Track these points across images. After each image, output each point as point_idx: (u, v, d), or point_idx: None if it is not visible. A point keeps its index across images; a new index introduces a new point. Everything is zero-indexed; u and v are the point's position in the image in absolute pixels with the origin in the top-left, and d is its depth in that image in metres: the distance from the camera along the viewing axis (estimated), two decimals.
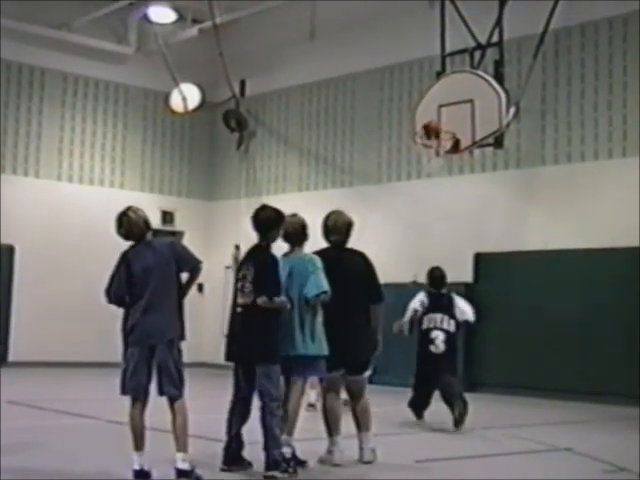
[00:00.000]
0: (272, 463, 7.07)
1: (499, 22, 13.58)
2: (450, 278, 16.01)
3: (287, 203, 20.14)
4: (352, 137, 19.50)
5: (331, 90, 19.97)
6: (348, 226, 8.24)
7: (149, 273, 6.88)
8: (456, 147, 13.30)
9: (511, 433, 10.64)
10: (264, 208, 7.69)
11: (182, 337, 6.95)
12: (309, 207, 20.14)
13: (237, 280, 7.45)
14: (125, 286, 6.95)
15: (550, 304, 15.58)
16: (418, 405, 11.13)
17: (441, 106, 13.33)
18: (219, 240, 20.68)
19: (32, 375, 16.82)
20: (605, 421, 12.73)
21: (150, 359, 6.80)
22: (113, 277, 7.03)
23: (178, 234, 20.85)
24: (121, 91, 21.06)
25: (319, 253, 7.99)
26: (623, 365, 14.42)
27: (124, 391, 6.89)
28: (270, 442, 7.11)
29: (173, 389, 6.81)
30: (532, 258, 16.04)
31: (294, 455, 7.45)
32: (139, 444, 6.77)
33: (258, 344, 7.23)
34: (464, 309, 11.35)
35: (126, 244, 7.11)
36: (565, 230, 15.76)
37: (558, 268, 15.66)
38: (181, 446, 6.76)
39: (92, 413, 10.88)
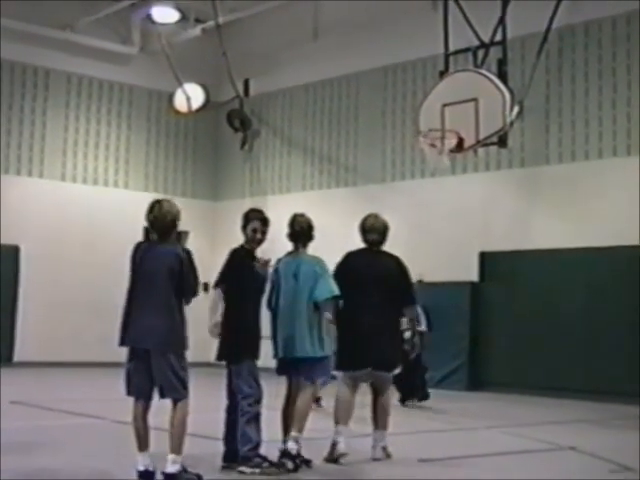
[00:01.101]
0: (242, 459, 7.18)
1: (502, 21, 13.57)
2: (455, 277, 16.10)
3: (291, 202, 20.29)
4: (356, 136, 19.51)
5: (335, 90, 19.98)
6: (385, 227, 8.40)
7: (150, 276, 6.77)
8: (460, 146, 13.30)
9: (515, 432, 10.64)
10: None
11: (181, 347, 6.78)
12: (313, 206, 20.25)
13: None
14: (130, 281, 6.92)
15: (554, 302, 15.59)
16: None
17: (445, 105, 13.33)
18: (224, 240, 20.56)
19: (37, 375, 16.84)
20: (609, 420, 12.71)
21: (148, 361, 6.70)
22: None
23: (183, 234, 20.85)
24: (125, 91, 21.08)
25: (354, 254, 8.30)
26: (627, 364, 14.41)
27: (128, 392, 6.87)
28: (240, 438, 7.21)
29: (173, 393, 6.72)
30: (537, 256, 16.04)
31: (299, 453, 7.46)
32: (142, 445, 6.74)
33: (227, 344, 7.43)
34: None
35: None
36: (569, 228, 15.75)
37: (563, 266, 15.65)
38: (174, 447, 6.64)
39: (97, 413, 10.89)
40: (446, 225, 17.17)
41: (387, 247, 8.48)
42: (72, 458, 7.81)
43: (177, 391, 6.69)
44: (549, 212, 16.16)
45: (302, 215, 8.04)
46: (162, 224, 6.84)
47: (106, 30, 20.18)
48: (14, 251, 18.92)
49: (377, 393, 8.29)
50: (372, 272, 8.06)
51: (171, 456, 6.61)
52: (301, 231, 7.96)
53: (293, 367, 7.62)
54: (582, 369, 14.96)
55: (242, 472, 7.13)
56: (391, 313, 8.12)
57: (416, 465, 8.20)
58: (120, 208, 19.88)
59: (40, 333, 18.69)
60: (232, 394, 7.46)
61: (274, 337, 7.72)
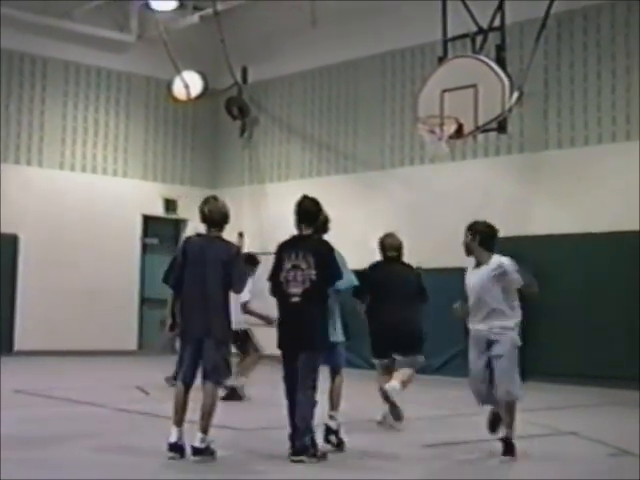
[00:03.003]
0: (303, 448, 7.42)
1: (501, 6, 13.56)
2: (454, 263, 16.01)
3: (290, 190, 20.24)
4: (355, 123, 19.48)
5: (333, 76, 19.94)
6: (400, 245, 10.09)
7: (202, 268, 7.35)
8: (459, 132, 13.30)
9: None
10: (306, 199, 8.18)
11: (230, 335, 7.61)
12: (312, 194, 20.15)
13: (280, 270, 7.67)
14: (179, 273, 7.45)
15: (553, 288, 15.57)
16: None
17: (444, 91, 13.33)
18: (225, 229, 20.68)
19: (37, 364, 16.86)
20: (609, 405, 12.75)
21: (198, 347, 7.34)
22: (173, 262, 7.59)
23: (181, 222, 20.87)
24: (123, 79, 21.03)
25: (379, 264, 9.97)
26: (626, 349, 14.42)
27: (177, 373, 7.58)
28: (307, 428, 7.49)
29: (217, 376, 7.39)
30: (536, 242, 16.02)
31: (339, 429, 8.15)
32: (178, 420, 7.28)
33: (313, 330, 7.58)
34: None
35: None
36: (569, 214, 15.74)
37: (562, 252, 15.65)
38: (204, 426, 7.22)
39: (98, 401, 10.92)
40: (445, 211, 17.15)
41: None
42: (74, 446, 7.83)
43: (221, 374, 7.41)
44: (548, 198, 16.15)
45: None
46: (217, 217, 7.53)
47: (104, 18, 20.10)
48: (13, 240, 18.90)
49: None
50: (396, 277, 9.88)
51: (199, 434, 7.19)
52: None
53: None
54: (582, 354, 14.97)
55: (302, 461, 7.37)
56: (413, 309, 9.94)
57: (421, 451, 8.24)
58: (119, 196, 19.89)
59: (39, 322, 18.70)
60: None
61: None
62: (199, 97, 20.45)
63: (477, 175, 17.03)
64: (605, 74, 15.67)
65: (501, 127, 13.49)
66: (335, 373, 8.43)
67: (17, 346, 18.75)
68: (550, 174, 16.17)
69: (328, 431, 8.11)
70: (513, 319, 8.05)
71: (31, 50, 19.57)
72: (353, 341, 9.31)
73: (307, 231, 7.82)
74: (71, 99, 20.28)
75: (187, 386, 7.37)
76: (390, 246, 9.98)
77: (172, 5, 19.75)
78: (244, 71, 21.16)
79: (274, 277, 7.71)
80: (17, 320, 18.86)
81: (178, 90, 20.27)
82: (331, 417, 8.19)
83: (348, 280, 8.23)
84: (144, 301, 20.55)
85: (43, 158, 19.77)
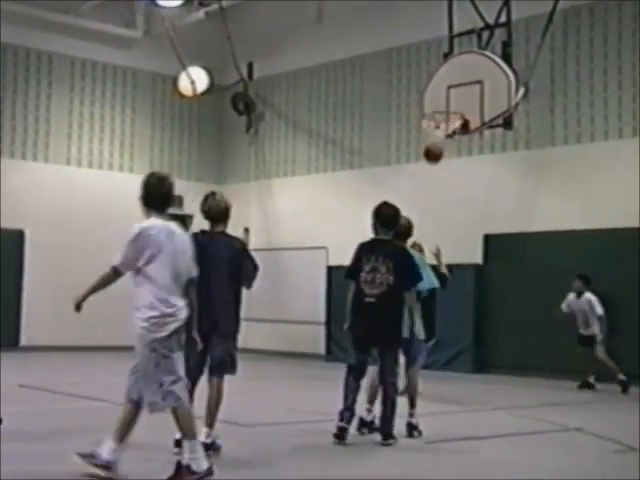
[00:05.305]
0: (388, 434, 8.11)
1: (507, 2, 13.55)
2: (460, 259, 16.06)
3: (296, 185, 20.31)
4: (361, 119, 19.47)
5: (339, 72, 19.93)
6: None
7: (210, 264, 7.30)
8: (465, 128, 13.29)
9: (521, 413, 10.66)
10: (386, 205, 8.39)
11: (237, 331, 7.53)
12: (318, 189, 20.32)
13: (360, 270, 8.16)
14: None
15: (559, 285, 15.54)
16: None
17: (450, 87, 13.32)
18: (230, 222, 20.68)
19: (42, 359, 16.90)
20: (616, 402, 12.75)
21: (204, 344, 7.25)
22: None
23: (188, 218, 20.86)
24: (129, 75, 21.05)
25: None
26: (633, 345, 14.39)
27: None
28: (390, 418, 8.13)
29: (223, 372, 7.42)
30: (542, 239, 16.02)
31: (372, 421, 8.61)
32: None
33: (389, 330, 8.12)
34: None
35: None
36: (575, 211, 15.72)
37: (568, 249, 15.63)
38: (208, 421, 7.25)
39: (102, 396, 10.93)
40: (451, 207, 17.15)
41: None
42: (77, 440, 7.84)
43: (226, 370, 7.39)
44: (554, 194, 16.13)
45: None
46: (215, 214, 7.65)
47: (109, 14, 20.13)
48: (19, 235, 18.95)
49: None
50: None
51: (205, 429, 7.18)
52: (405, 230, 8.85)
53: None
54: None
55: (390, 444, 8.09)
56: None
57: (423, 448, 8.24)
58: (125, 192, 19.87)
59: (46, 317, 18.72)
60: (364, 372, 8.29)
61: None
62: (205, 93, 20.45)
63: (483, 171, 17.02)
64: (611, 70, 15.63)
65: (507, 123, 13.49)
66: (409, 365, 8.85)
67: (23, 341, 18.79)
68: (556, 170, 16.14)
69: (370, 424, 8.59)
70: None
71: (37, 46, 19.60)
72: None
73: (385, 236, 8.31)
74: (77, 95, 20.31)
75: (194, 381, 7.38)
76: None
77: (178, 1, 19.71)
78: (250, 67, 21.17)
79: (355, 275, 8.22)
80: (23, 315, 18.90)
81: (184, 86, 20.28)
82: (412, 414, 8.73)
83: (429, 282, 8.81)
84: None
85: (49, 154, 19.80)
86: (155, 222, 6.58)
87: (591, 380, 14.10)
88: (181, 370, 6.27)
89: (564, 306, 14.21)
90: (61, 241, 19.36)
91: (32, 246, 19.04)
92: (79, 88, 20.34)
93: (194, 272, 6.54)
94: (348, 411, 8.10)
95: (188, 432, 6.21)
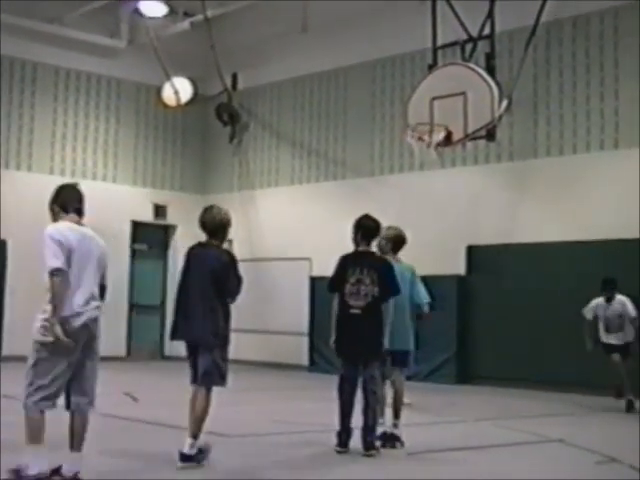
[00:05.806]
0: (370, 444, 8.15)
1: (490, 15, 13.60)
2: (443, 270, 16.12)
3: (280, 196, 20.31)
4: (345, 130, 19.51)
5: (323, 83, 19.97)
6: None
7: (198, 276, 7.49)
8: (448, 140, 13.32)
9: (503, 424, 10.68)
10: (367, 217, 8.55)
11: (224, 343, 7.45)
12: (302, 200, 20.32)
13: (344, 284, 8.24)
14: (181, 281, 7.69)
15: (542, 296, 15.64)
16: None
17: (433, 99, 13.35)
18: (227, 237, 20.65)
19: (25, 369, 16.75)
20: (598, 413, 12.77)
21: (195, 353, 7.45)
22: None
23: (170, 228, 20.85)
24: (113, 85, 21.03)
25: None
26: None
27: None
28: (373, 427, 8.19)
29: (208, 382, 7.37)
30: (524, 250, 16.08)
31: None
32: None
33: (375, 342, 8.18)
34: None
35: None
36: (557, 222, 15.79)
37: (550, 260, 15.70)
38: (191, 431, 7.22)
39: None
40: (434, 218, 17.20)
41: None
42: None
43: (212, 380, 7.34)
44: (537, 206, 16.20)
45: (395, 228, 9.14)
46: (210, 227, 7.82)
47: (94, 23, 20.10)
48: (1, 245, 18.84)
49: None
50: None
51: (189, 439, 7.17)
52: (398, 242, 9.16)
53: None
54: (571, 362, 14.98)
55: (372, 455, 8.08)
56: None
57: (405, 458, 8.24)
58: (108, 201, 19.83)
59: (28, 327, 18.56)
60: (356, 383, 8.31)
61: None
62: (189, 103, 20.47)
63: (466, 183, 17.08)
64: (594, 82, 15.74)
65: (490, 135, 13.52)
66: (397, 375, 8.92)
67: (5, 351, 18.68)
68: (539, 182, 16.21)
69: (398, 438, 8.70)
70: None
71: (21, 55, 19.54)
72: None
73: (366, 247, 8.43)
74: (61, 104, 20.26)
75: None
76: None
77: (162, 11, 19.77)
78: (234, 77, 21.19)
79: (338, 287, 8.30)
80: (5, 326, 18.79)
81: (168, 96, 20.29)
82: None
83: (424, 295, 9.16)
84: (133, 307, 20.53)
85: (32, 163, 19.73)
86: (67, 225, 6.89)
87: (631, 397, 12.82)
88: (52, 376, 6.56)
89: (589, 314, 13.30)
90: (44, 252, 19.23)
91: (14, 256, 18.92)
92: (63, 97, 20.30)
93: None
94: (345, 433, 8.17)
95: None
